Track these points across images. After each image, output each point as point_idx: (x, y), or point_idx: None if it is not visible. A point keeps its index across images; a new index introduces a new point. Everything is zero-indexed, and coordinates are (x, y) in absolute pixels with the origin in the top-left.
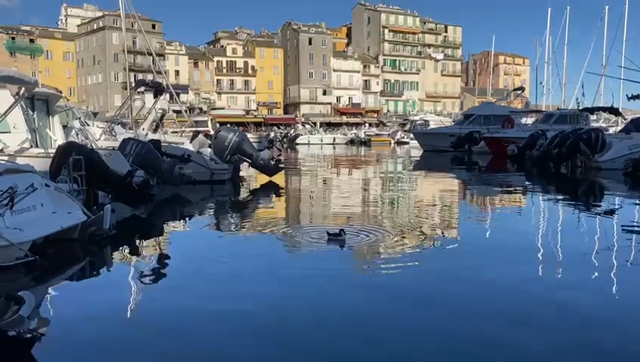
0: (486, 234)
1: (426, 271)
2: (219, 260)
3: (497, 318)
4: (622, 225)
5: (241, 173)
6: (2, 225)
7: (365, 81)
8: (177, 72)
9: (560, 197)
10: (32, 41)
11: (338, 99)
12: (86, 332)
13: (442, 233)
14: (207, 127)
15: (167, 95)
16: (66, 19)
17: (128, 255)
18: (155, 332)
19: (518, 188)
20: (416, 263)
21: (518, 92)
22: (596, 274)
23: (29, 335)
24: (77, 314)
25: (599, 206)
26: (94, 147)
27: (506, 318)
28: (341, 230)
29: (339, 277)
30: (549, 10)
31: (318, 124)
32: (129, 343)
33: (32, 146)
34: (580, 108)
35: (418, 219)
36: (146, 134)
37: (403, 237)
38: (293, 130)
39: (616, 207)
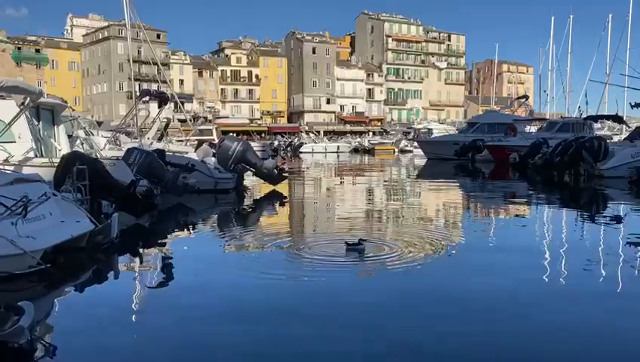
0: (492, 244)
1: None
2: (224, 269)
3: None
4: (627, 237)
5: (245, 182)
6: (15, 233)
7: (369, 89)
8: (182, 82)
9: (563, 206)
10: (37, 50)
11: (342, 107)
12: (91, 340)
13: (449, 243)
14: (212, 135)
15: (172, 104)
16: (71, 29)
17: (135, 264)
18: (159, 342)
19: (521, 197)
20: (426, 274)
21: (522, 100)
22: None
23: (34, 344)
24: (85, 322)
25: (603, 215)
26: (99, 156)
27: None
28: (360, 239)
29: (347, 290)
30: (552, 18)
31: (322, 132)
32: (133, 352)
33: (36, 156)
34: (583, 116)
35: (426, 230)
36: (151, 143)
37: (413, 248)
38: (297, 139)
39: (621, 216)
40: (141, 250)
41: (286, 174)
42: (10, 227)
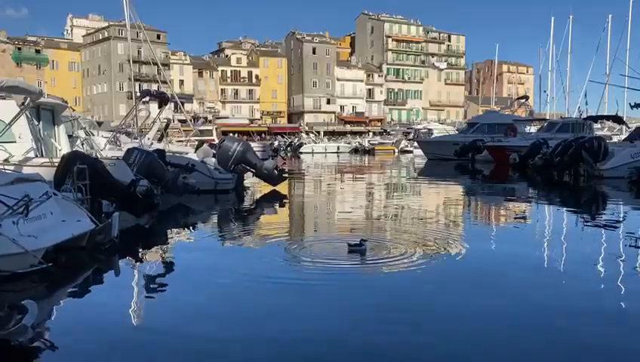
0: (494, 245)
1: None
2: (224, 269)
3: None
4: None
5: (245, 183)
6: (17, 232)
7: (369, 90)
8: (182, 82)
9: (562, 206)
10: (37, 51)
11: (342, 108)
12: (92, 339)
13: (450, 244)
14: (212, 136)
15: (172, 104)
16: (71, 30)
17: (136, 263)
18: (159, 341)
19: (521, 198)
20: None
21: (522, 100)
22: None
23: (36, 343)
24: (86, 321)
25: (603, 215)
26: (99, 157)
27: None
28: (362, 240)
29: (348, 293)
30: (552, 19)
31: (322, 132)
32: (133, 351)
33: (37, 156)
34: (583, 116)
35: (426, 230)
36: (151, 144)
37: (413, 248)
38: (297, 139)
39: (621, 216)
40: (141, 250)
41: (286, 175)
42: (11, 226)
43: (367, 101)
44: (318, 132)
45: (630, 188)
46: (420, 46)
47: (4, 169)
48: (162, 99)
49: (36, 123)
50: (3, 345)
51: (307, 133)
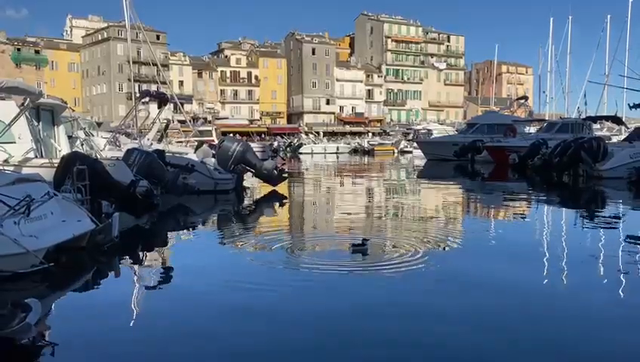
0: (494, 245)
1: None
2: (224, 270)
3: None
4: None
5: (245, 183)
6: (18, 232)
7: (368, 90)
8: (181, 83)
9: (562, 206)
10: (37, 52)
11: (341, 108)
12: (92, 338)
13: (450, 243)
14: (212, 136)
15: (172, 105)
16: (71, 30)
17: (136, 263)
18: (159, 341)
19: (520, 198)
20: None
21: (522, 101)
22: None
23: (39, 342)
24: (87, 320)
25: (602, 215)
26: (99, 157)
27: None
28: (364, 239)
29: (347, 294)
30: (552, 19)
31: (322, 133)
32: (134, 351)
33: (36, 156)
34: (582, 116)
35: (426, 230)
36: (151, 144)
37: (414, 248)
38: (296, 140)
39: (620, 215)
40: (141, 250)
41: (286, 175)
42: (13, 226)
43: (366, 101)
44: (318, 132)
45: (629, 188)
46: (420, 46)
47: (4, 169)
48: (162, 100)
49: (36, 123)
50: (7, 343)
51: (307, 133)
